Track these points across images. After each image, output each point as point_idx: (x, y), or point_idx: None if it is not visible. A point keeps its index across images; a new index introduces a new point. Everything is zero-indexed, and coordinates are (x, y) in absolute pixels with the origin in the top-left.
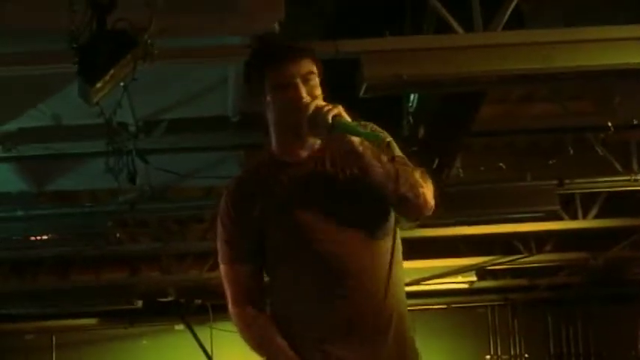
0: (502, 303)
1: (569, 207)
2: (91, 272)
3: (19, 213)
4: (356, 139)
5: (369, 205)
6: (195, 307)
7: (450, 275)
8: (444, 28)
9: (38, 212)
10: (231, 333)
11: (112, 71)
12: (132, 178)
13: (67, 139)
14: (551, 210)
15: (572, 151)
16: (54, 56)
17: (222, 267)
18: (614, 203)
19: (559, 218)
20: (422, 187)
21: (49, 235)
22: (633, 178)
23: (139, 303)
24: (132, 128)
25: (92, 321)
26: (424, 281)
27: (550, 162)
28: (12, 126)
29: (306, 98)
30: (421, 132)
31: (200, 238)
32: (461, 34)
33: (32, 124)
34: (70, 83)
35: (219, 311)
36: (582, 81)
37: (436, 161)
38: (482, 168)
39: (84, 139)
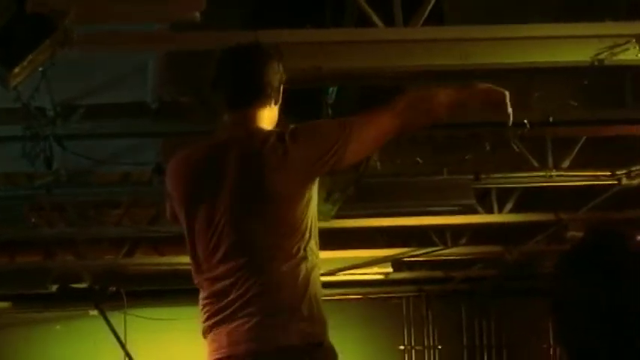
0: (417, 294)
1: (484, 201)
2: (5, 255)
3: None
4: None
5: None
6: (110, 293)
7: (366, 266)
8: (364, 22)
9: None
10: (145, 319)
11: (30, 56)
12: (48, 163)
13: None
14: (466, 204)
15: (488, 147)
16: None
17: None
18: (529, 198)
19: (475, 212)
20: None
21: None
22: (548, 174)
23: (53, 287)
24: (50, 113)
25: (5, 304)
26: (340, 272)
27: (467, 157)
28: None
29: None
30: None
31: (116, 224)
32: (381, 28)
33: None
34: None
35: (133, 297)
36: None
37: None
38: (398, 161)
39: (1, 122)
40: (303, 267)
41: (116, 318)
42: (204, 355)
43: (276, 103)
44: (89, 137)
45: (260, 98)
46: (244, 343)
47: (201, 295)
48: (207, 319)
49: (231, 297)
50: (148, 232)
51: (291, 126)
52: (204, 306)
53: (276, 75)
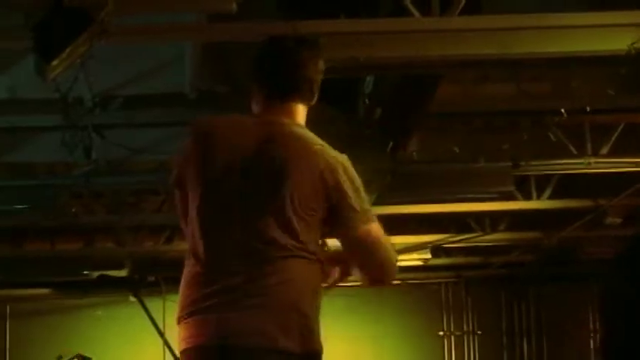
0: (456, 280)
1: (523, 187)
2: (46, 243)
3: None
4: None
5: None
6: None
7: (405, 252)
8: (400, 12)
9: None
10: None
11: (68, 49)
12: (87, 152)
13: (24, 113)
14: (504, 191)
15: (527, 134)
16: (10, 33)
17: None
18: (568, 184)
19: (513, 198)
20: None
21: (5, 206)
22: (587, 161)
23: (94, 274)
24: (88, 103)
25: (46, 291)
26: None
27: (505, 146)
28: None
29: None
30: (377, 113)
31: (155, 211)
32: (418, 18)
33: None
34: (26, 57)
35: (172, 283)
36: (536, 67)
37: (392, 142)
38: (437, 149)
39: (40, 112)
40: (311, 267)
41: (155, 304)
42: None
43: (313, 101)
44: (127, 126)
45: (302, 93)
46: (245, 336)
47: (192, 272)
48: (196, 302)
49: (237, 283)
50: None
51: (345, 158)
52: (194, 285)
53: (319, 73)
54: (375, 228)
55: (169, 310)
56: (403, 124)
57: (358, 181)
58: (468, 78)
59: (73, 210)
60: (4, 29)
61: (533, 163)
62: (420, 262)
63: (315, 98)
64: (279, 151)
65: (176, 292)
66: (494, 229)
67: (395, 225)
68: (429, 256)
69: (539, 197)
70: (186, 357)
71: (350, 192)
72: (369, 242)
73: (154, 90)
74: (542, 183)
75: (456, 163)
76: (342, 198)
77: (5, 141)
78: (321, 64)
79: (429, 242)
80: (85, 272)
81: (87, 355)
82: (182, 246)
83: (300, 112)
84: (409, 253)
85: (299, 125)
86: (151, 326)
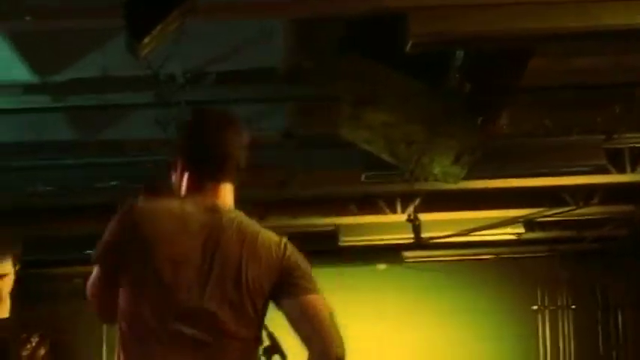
0: (549, 254)
1: (617, 161)
2: None
3: (70, 161)
4: None
5: None
6: None
7: (498, 227)
8: None
9: (88, 160)
10: None
11: (159, 26)
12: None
13: (116, 90)
14: (597, 164)
15: (620, 107)
16: (102, 12)
17: None
18: None
19: (607, 172)
20: None
21: (98, 184)
22: None
23: None
24: (180, 80)
25: None
26: (473, 232)
27: (597, 119)
28: (62, 76)
29: None
30: (467, 87)
31: (250, 186)
32: None
33: (82, 75)
34: (118, 35)
35: None
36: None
37: (482, 116)
38: (528, 123)
39: (132, 90)
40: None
41: None
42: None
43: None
44: (219, 103)
45: (231, 174)
46: None
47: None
48: None
49: None
50: (279, 195)
51: (286, 239)
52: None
53: (243, 148)
54: (324, 300)
55: None
56: (493, 98)
57: (304, 258)
58: (559, 51)
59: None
60: (95, 8)
61: (627, 135)
62: (513, 237)
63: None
64: (229, 242)
65: None
66: (587, 203)
67: (486, 199)
68: (522, 230)
69: (633, 170)
70: None
71: (301, 265)
72: (318, 311)
73: (245, 66)
74: (636, 156)
75: (548, 137)
76: (293, 269)
77: (98, 119)
78: (246, 138)
79: (522, 216)
80: None
81: None
82: (276, 222)
83: (230, 191)
84: (502, 227)
85: (233, 211)
86: None
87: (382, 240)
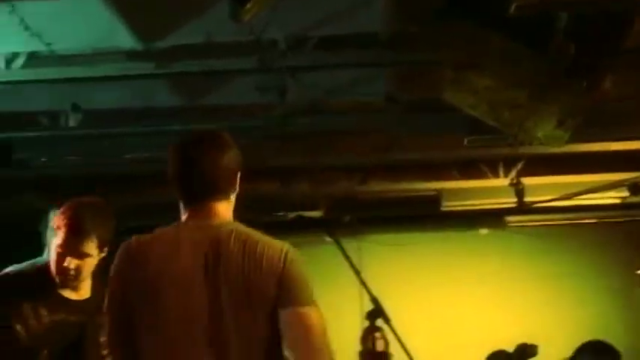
0: None
1: None
2: (244, 184)
3: (176, 127)
4: None
5: None
6: (344, 222)
7: (602, 190)
8: None
9: (192, 126)
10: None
11: None
12: (281, 94)
13: (219, 56)
14: None
15: None
16: None
17: None
18: None
19: None
20: None
21: None
22: None
23: (290, 215)
24: (282, 45)
25: None
26: (576, 196)
27: None
28: (165, 43)
29: None
30: (571, 50)
31: (350, 152)
32: None
33: (185, 41)
34: (221, 1)
35: (368, 224)
36: None
37: (586, 79)
38: (633, 86)
39: (234, 56)
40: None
41: (351, 245)
42: (445, 281)
43: (234, 191)
44: (321, 68)
45: (218, 192)
46: None
47: None
48: None
49: None
50: (382, 160)
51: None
52: None
53: (229, 167)
54: (318, 313)
55: (365, 250)
56: (598, 61)
57: (303, 268)
58: None
59: (269, 151)
60: None
61: None
62: (617, 200)
63: (236, 187)
64: (230, 254)
65: (372, 232)
66: None
67: (590, 163)
68: (626, 193)
69: None
70: None
71: (299, 275)
72: (307, 323)
73: (347, 31)
74: None
75: None
76: (291, 279)
77: (201, 85)
78: (233, 155)
79: (626, 180)
80: (280, 213)
81: None
82: (378, 187)
83: (224, 209)
84: (606, 191)
85: (229, 222)
86: (346, 267)
87: (484, 205)
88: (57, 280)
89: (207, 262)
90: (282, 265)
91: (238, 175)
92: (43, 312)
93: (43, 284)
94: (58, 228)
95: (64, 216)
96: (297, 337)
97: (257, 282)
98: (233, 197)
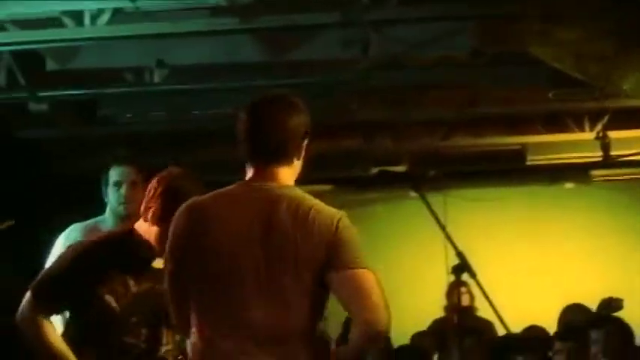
0: None
1: None
2: (326, 139)
3: (260, 82)
4: None
5: None
6: (429, 177)
7: None
8: None
9: (276, 82)
10: (465, 200)
11: None
12: (365, 49)
13: (303, 11)
14: None
15: None
16: None
17: None
18: None
19: None
20: None
21: None
22: None
23: (373, 170)
24: (365, 0)
25: (326, 187)
26: None
27: None
28: None
29: None
30: None
31: (434, 106)
32: None
33: None
34: None
35: (453, 179)
36: None
37: None
38: None
39: (318, 10)
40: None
41: (436, 199)
42: (529, 235)
43: (299, 159)
44: (404, 22)
45: (282, 158)
46: None
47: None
48: None
49: None
50: (466, 114)
51: (343, 214)
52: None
53: (298, 131)
54: (372, 275)
55: (450, 205)
56: None
57: (356, 234)
58: None
59: (353, 106)
60: None
61: None
62: None
63: (302, 153)
64: (280, 218)
65: (457, 187)
66: None
67: None
68: None
69: None
70: None
71: (351, 240)
72: (364, 285)
73: None
74: None
75: None
76: (343, 243)
77: (284, 39)
78: (302, 120)
79: None
80: (364, 168)
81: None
82: (461, 142)
83: (285, 174)
84: None
85: (286, 187)
86: (431, 222)
87: (570, 159)
88: (147, 251)
89: (261, 223)
90: (334, 231)
91: (305, 141)
92: (131, 281)
93: (129, 253)
94: (154, 195)
95: (162, 182)
96: (357, 299)
97: (307, 246)
98: (297, 163)
